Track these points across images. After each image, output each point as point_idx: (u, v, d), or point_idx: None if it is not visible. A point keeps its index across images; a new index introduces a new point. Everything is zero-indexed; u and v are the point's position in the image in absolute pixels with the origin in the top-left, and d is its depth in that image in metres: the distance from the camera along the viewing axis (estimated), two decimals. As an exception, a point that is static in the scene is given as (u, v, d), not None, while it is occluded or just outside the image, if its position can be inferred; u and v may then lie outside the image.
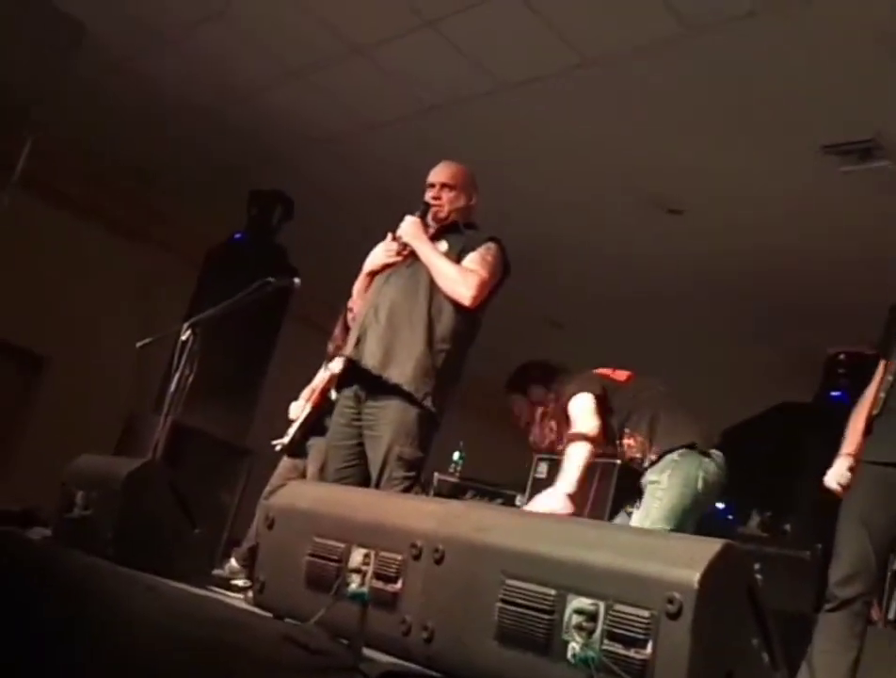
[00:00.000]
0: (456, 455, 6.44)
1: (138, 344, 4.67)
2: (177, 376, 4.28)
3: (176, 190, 7.46)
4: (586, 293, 7.54)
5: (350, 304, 4.94)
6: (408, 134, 5.85)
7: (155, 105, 6.39)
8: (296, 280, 4.83)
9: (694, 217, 6.07)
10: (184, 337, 4.36)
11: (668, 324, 7.64)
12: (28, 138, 4.98)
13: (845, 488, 2.85)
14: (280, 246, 6.98)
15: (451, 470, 6.43)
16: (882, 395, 2.88)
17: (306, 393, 4.97)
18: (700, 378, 8.29)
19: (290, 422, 4.92)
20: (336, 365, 4.66)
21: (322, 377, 4.92)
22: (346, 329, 4.92)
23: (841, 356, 6.80)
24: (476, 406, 8.44)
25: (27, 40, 5.05)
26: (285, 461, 4.87)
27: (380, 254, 3.33)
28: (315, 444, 4.78)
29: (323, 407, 4.77)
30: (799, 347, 7.13)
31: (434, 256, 3.19)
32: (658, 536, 1.77)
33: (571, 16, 4.55)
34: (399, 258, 3.29)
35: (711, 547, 1.57)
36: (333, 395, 4.76)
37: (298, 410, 4.93)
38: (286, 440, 4.84)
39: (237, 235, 7.01)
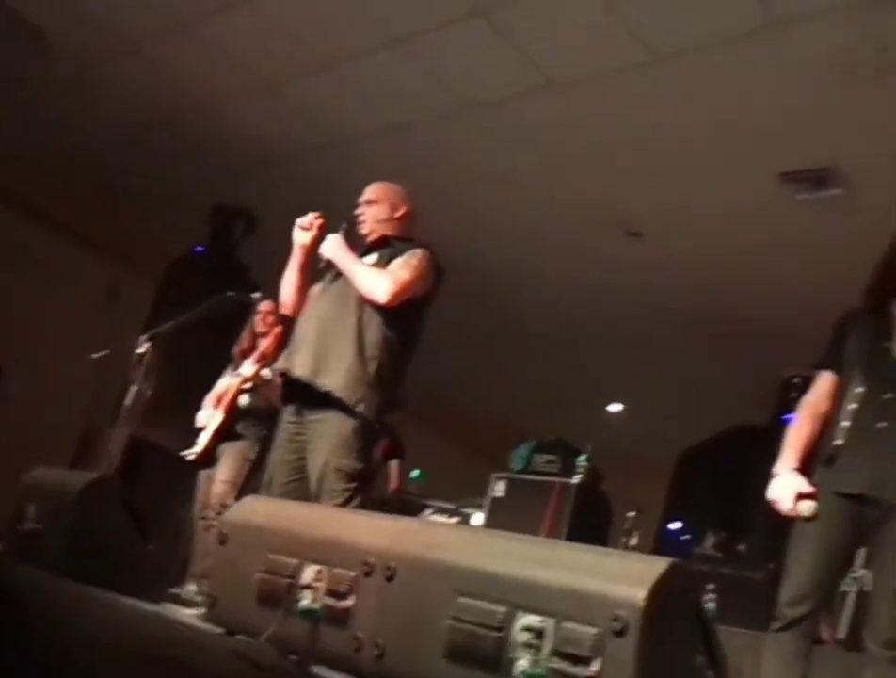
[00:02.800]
0: (414, 473, 6.46)
1: (94, 356, 4.63)
2: (134, 389, 4.25)
3: (139, 203, 7.41)
4: (547, 315, 7.59)
5: (260, 308, 4.95)
6: (373, 152, 5.87)
7: (120, 117, 6.36)
8: (257, 294, 4.83)
9: (652, 241, 6.15)
10: (141, 350, 4.34)
11: (626, 347, 7.71)
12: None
13: (809, 519, 2.81)
14: (243, 261, 6.96)
15: (409, 488, 6.44)
16: (846, 423, 2.85)
17: (211, 400, 4.95)
18: (658, 400, 8.38)
19: (199, 430, 4.91)
20: (247, 370, 4.67)
21: (226, 382, 4.90)
22: (254, 334, 4.93)
23: (796, 379, 6.88)
24: (434, 423, 8.46)
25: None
26: (204, 475, 4.85)
27: (296, 235, 3.37)
28: (226, 450, 4.77)
29: (234, 413, 4.77)
30: (755, 371, 7.22)
31: (350, 263, 3.21)
32: (606, 554, 1.79)
33: (537, 38, 4.62)
34: (310, 228, 3.33)
35: (657, 566, 1.59)
36: (244, 400, 4.79)
37: (207, 417, 4.91)
38: (197, 449, 4.82)
39: (198, 248, 6.98)
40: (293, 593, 2.08)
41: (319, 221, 3.35)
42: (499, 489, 5.84)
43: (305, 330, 3.22)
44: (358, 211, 3.41)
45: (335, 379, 3.05)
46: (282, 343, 4.80)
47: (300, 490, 3.07)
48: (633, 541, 5.52)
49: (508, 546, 1.85)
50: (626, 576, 1.59)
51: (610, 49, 4.54)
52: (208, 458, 4.84)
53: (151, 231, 7.71)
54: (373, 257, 3.26)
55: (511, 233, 6.48)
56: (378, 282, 3.13)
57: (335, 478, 3.00)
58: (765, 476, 3.35)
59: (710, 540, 6.49)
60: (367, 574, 1.97)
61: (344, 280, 3.22)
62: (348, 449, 3.04)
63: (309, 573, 2.08)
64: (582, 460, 5.67)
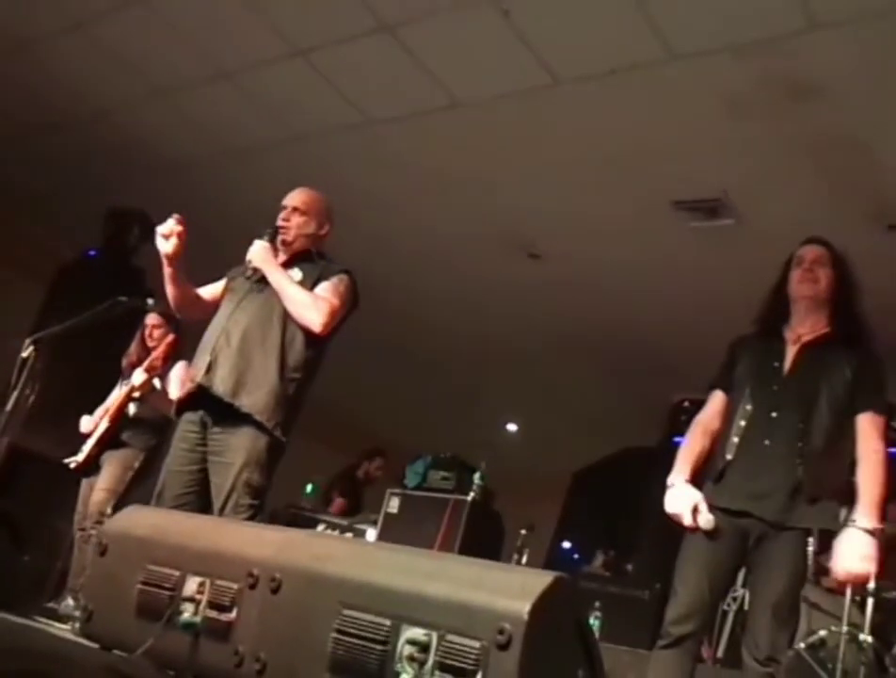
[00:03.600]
0: (308, 487, 6.38)
1: (-26, 359, 4.42)
2: (15, 395, 4.07)
3: (30, 201, 7.15)
4: (445, 334, 7.61)
5: (147, 321, 4.85)
6: (269, 162, 5.80)
7: (11, 116, 6.13)
8: (150, 300, 4.69)
9: (550, 263, 6.24)
10: (24, 354, 4.16)
11: (522, 368, 7.80)
12: None
13: (709, 533, 2.85)
14: (138, 266, 6.77)
15: (302, 503, 6.36)
16: (735, 439, 2.92)
17: (100, 411, 4.84)
18: (552, 421, 8.50)
19: (83, 435, 4.78)
20: (137, 378, 4.57)
21: (117, 394, 4.79)
22: (143, 345, 4.83)
23: (685, 403, 7.08)
24: (329, 438, 8.38)
25: None
26: (85, 484, 4.72)
27: (161, 232, 3.23)
28: (109, 458, 4.66)
29: (119, 422, 4.66)
30: (646, 395, 7.39)
31: (285, 282, 3.16)
32: (492, 567, 1.79)
33: (444, 58, 4.65)
34: (170, 235, 3.19)
35: (542, 579, 1.60)
36: (132, 409, 4.68)
37: (91, 424, 4.79)
38: (80, 456, 4.69)
39: (91, 252, 6.77)
40: (174, 606, 2.01)
41: (179, 228, 3.21)
42: (393, 505, 5.82)
43: (226, 341, 3.12)
44: (283, 216, 3.33)
45: (256, 401, 3.02)
46: (172, 354, 4.70)
47: (195, 502, 3.00)
48: (524, 559, 5.57)
49: (395, 558, 1.83)
50: (511, 589, 1.60)
51: (514, 71, 4.60)
52: (91, 465, 4.70)
53: (41, 234, 7.45)
54: (297, 274, 3.21)
55: (408, 251, 6.49)
56: (313, 311, 3.11)
57: (244, 493, 2.96)
58: (654, 498, 3.40)
59: (599, 560, 6.61)
60: (251, 586, 1.92)
61: (268, 290, 3.16)
62: (260, 465, 3.01)
63: (191, 586, 2.02)
64: (477, 477, 5.70)
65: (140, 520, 2.35)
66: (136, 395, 4.65)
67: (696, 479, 2.97)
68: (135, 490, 4.65)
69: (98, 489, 4.58)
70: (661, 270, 5.94)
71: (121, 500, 4.53)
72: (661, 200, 5.25)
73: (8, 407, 4.11)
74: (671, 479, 2.96)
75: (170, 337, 4.75)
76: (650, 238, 5.65)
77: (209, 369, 3.09)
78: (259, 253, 3.21)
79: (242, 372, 3.05)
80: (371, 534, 5.85)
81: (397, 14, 4.42)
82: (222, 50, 5.00)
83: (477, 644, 1.55)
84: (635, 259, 5.91)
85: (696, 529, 2.85)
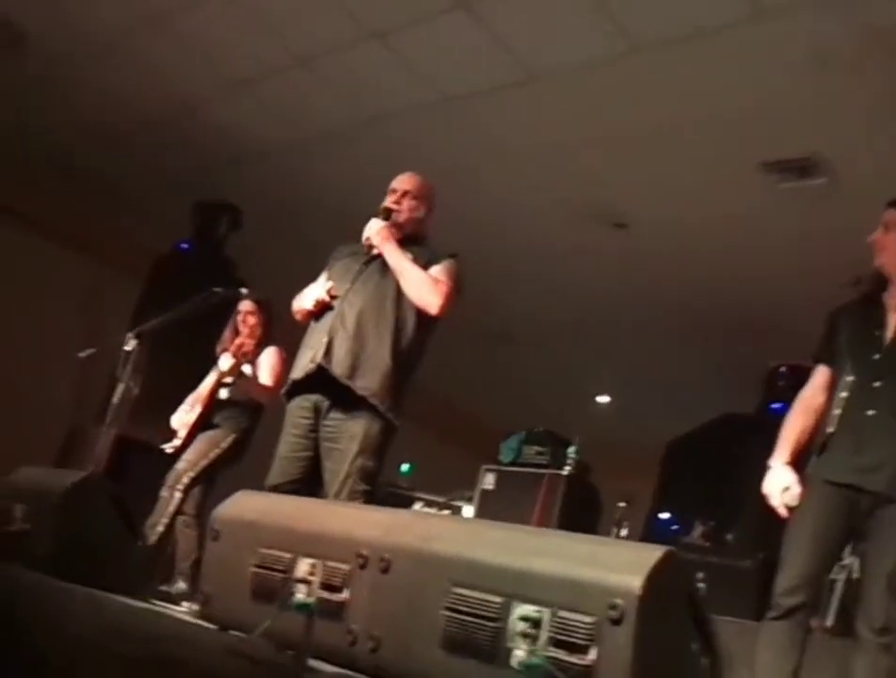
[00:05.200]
0: (404, 466, 6.45)
1: (80, 354, 4.60)
2: (121, 387, 4.22)
3: (121, 202, 7.35)
4: (535, 309, 7.59)
5: (240, 308, 4.93)
6: (353, 146, 5.85)
7: (99, 116, 6.31)
8: (244, 290, 4.81)
9: (637, 232, 6.15)
10: (128, 347, 4.32)
11: (613, 340, 7.72)
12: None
13: (791, 510, 2.85)
14: (228, 257, 6.92)
15: (399, 482, 6.43)
16: (837, 411, 2.89)
17: (191, 400, 4.93)
18: (645, 392, 8.40)
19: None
20: (224, 363, 4.66)
21: (209, 380, 4.88)
22: (236, 332, 4.91)
23: (782, 369, 6.93)
24: (424, 417, 8.45)
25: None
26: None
27: (317, 291, 3.32)
28: (199, 437, 4.76)
29: (212, 406, 4.76)
30: (741, 361, 7.24)
31: (405, 263, 3.20)
32: (601, 542, 1.80)
33: (518, 31, 4.60)
34: (328, 299, 3.27)
35: (652, 554, 1.59)
36: (222, 394, 4.77)
37: (184, 413, 4.90)
38: (177, 442, 4.80)
39: (183, 245, 6.93)
40: (287, 587, 2.07)
41: (327, 299, 3.29)
42: (488, 481, 5.85)
43: (340, 323, 3.17)
44: (393, 199, 3.38)
45: (371, 383, 3.07)
46: (261, 339, 4.79)
47: (305, 487, 3.06)
48: (623, 532, 5.54)
49: (503, 536, 1.85)
50: (622, 565, 1.60)
51: (590, 41, 4.53)
52: (187, 450, 4.82)
53: (132, 229, 7.66)
54: (408, 255, 3.25)
55: (491, 226, 6.47)
56: (433, 292, 3.16)
57: (358, 479, 3.02)
58: (753, 465, 3.36)
59: (698, 530, 6.52)
60: (362, 567, 1.96)
61: (381, 271, 3.21)
62: (374, 450, 3.08)
63: (303, 567, 2.07)
64: (571, 451, 5.68)
65: (250, 505, 2.42)
66: (227, 379, 4.75)
67: (800, 457, 2.94)
68: (220, 469, 4.74)
69: (182, 459, 4.69)
70: (752, 234, 5.80)
71: (202, 474, 4.64)
72: (749, 161, 5.11)
73: (115, 399, 4.28)
74: (771, 461, 2.95)
75: (257, 322, 4.85)
76: (740, 201, 5.51)
77: (327, 351, 3.14)
78: (380, 232, 3.25)
79: (357, 355, 3.10)
80: (467, 510, 5.90)
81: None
82: (300, 37, 5.04)
83: (590, 619, 1.56)
84: (725, 223, 5.78)
85: (782, 511, 2.84)
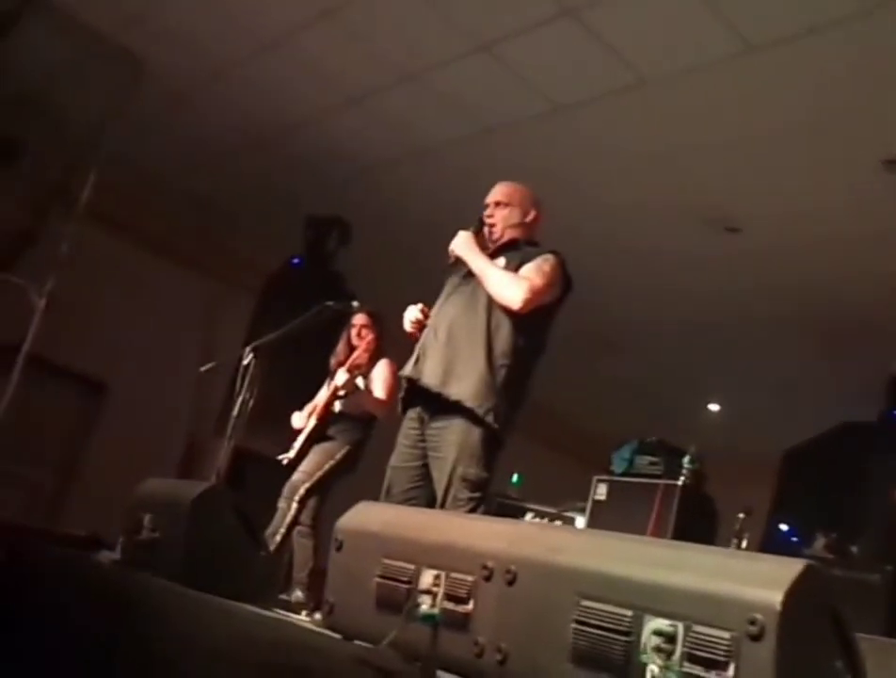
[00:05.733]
0: (514, 477, 6.42)
1: (202, 368, 4.74)
2: (240, 400, 4.33)
3: (234, 218, 7.58)
4: (645, 317, 7.48)
5: (354, 321, 4.99)
6: (462, 158, 5.88)
7: (214, 136, 6.52)
8: (355, 303, 4.88)
9: (752, 236, 6.00)
10: (245, 361, 4.43)
11: (725, 345, 7.55)
12: (91, 171, 5.10)
13: None
14: (338, 271, 7.04)
15: (509, 492, 6.41)
16: None
17: (309, 408, 5.01)
18: (760, 399, 8.18)
19: (294, 432, 4.97)
20: (340, 378, 4.71)
21: (324, 393, 4.95)
22: (350, 345, 4.97)
23: (906, 374, 6.66)
24: (532, 428, 8.41)
25: (89, 75, 5.19)
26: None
27: (410, 313, 3.37)
28: (314, 449, 4.82)
29: (327, 419, 4.82)
30: (861, 366, 6.99)
31: (484, 265, 3.16)
32: (734, 556, 1.75)
33: (629, 36, 4.57)
34: (415, 330, 3.31)
35: (792, 568, 1.54)
36: (337, 406, 4.83)
37: (302, 420, 4.98)
38: (292, 454, 4.89)
39: (294, 260, 7.08)
40: (411, 598, 2.08)
41: (421, 317, 3.35)
42: (600, 492, 5.76)
43: (433, 335, 3.19)
44: (487, 212, 3.37)
45: (465, 388, 3.03)
46: (374, 353, 4.86)
47: (422, 496, 3.06)
48: (744, 544, 5.38)
49: (631, 548, 1.81)
50: (759, 579, 1.55)
51: (703, 42, 4.45)
52: (302, 460, 4.91)
53: (245, 245, 7.87)
54: (500, 261, 3.21)
55: (603, 235, 6.42)
56: (513, 287, 3.08)
57: (461, 487, 2.99)
58: (878, 475, 3.22)
59: (820, 542, 6.29)
60: (486, 579, 1.95)
61: (474, 282, 3.18)
62: (475, 458, 3.02)
63: (427, 578, 2.07)
64: (686, 461, 5.55)
65: (372, 515, 2.44)
66: (341, 393, 4.83)
67: None
68: (334, 480, 4.83)
69: (298, 470, 4.79)
70: (872, 235, 5.59)
71: (317, 485, 4.72)
72: (870, 160, 4.93)
73: (234, 412, 4.39)
74: None
75: (372, 336, 4.92)
76: (860, 201, 5.32)
77: (417, 361, 3.16)
78: (461, 243, 3.24)
79: (450, 362, 3.09)
80: (580, 521, 5.83)
81: (578, -3, 4.37)
82: (408, 52, 5.11)
83: (728, 635, 1.51)
84: (844, 224, 5.59)
85: None
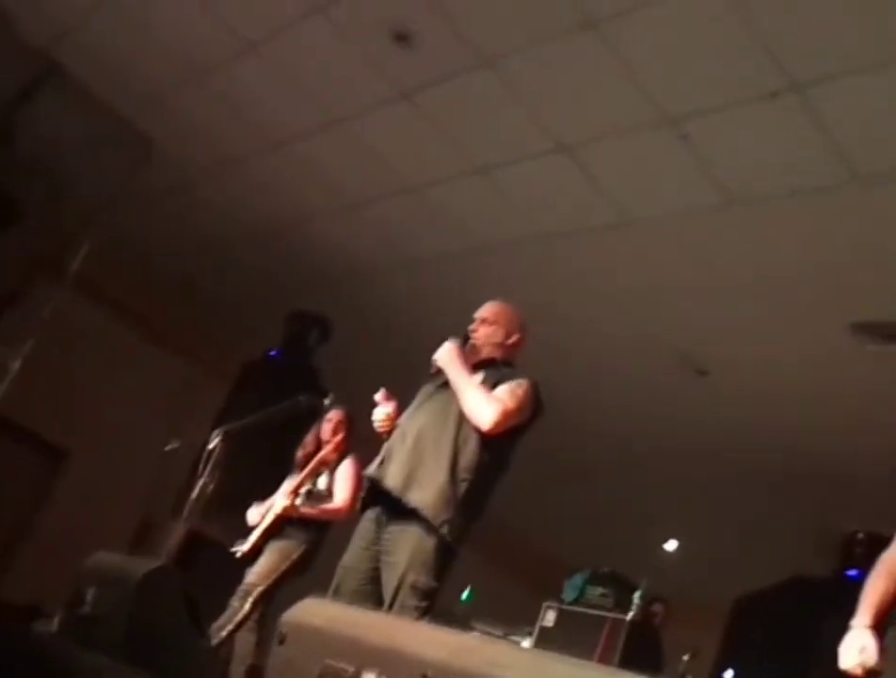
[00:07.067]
0: (466, 592, 6.36)
1: (166, 447, 4.73)
2: (200, 483, 4.32)
3: (219, 304, 7.67)
4: (607, 446, 7.55)
5: (330, 416, 5.02)
6: (451, 273, 6.04)
7: (210, 223, 6.67)
8: (327, 400, 4.92)
9: (718, 380, 6.14)
10: (211, 445, 4.44)
11: (685, 484, 7.61)
12: (85, 243, 5.20)
13: (871, 673, 2.71)
14: (314, 367, 7.10)
15: (456, 608, 6.34)
16: None
17: (267, 504, 4.97)
18: (715, 541, 8.20)
19: (249, 527, 4.93)
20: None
21: (287, 486, 4.93)
22: (318, 439, 4.98)
23: (860, 534, 6.72)
24: (486, 546, 8.37)
25: (99, 150, 5.33)
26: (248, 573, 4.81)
27: (378, 413, 3.41)
28: (269, 547, 4.78)
29: (289, 514, 4.77)
30: (816, 520, 7.06)
31: (462, 380, 3.21)
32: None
33: (618, 175, 4.81)
34: (385, 426, 3.36)
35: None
36: (298, 501, 4.80)
37: (258, 516, 4.94)
38: (246, 546, 4.83)
39: (273, 352, 7.15)
40: (348, 700, 2.07)
41: (390, 409, 3.41)
42: (549, 618, 5.72)
43: (401, 439, 3.22)
44: (473, 327, 3.45)
45: (424, 497, 3.04)
46: (343, 451, 4.88)
47: (370, 598, 3.05)
48: (687, 685, 5.35)
49: (572, 672, 1.84)
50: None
51: (688, 190, 4.67)
52: (255, 556, 4.86)
53: (225, 331, 7.95)
54: (478, 376, 3.27)
55: (576, 361, 6.54)
56: (485, 409, 3.13)
57: (410, 594, 2.98)
58: (829, 633, 3.23)
59: (764, 694, 6.25)
60: (425, 687, 1.96)
61: (449, 392, 3.24)
62: (427, 567, 3.01)
63: (366, 681, 2.08)
64: (637, 596, 5.55)
65: (318, 611, 2.44)
66: (302, 490, 4.81)
67: (881, 623, 2.81)
68: (289, 581, 4.76)
69: (252, 571, 4.72)
70: (838, 395, 5.74)
71: (273, 587, 4.66)
72: (838, 320, 5.12)
73: (193, 494, 4.38)
74: (853, 621, 2.83)
75: (343, 435, 4.95)
76: (827, 361, 5.49)
77: (382, 463, 3.20)
78: (445, 354, 3.32)
79: (413, 468, 3.10)
80: (525, 646, 5.76)
81: (575, 135, 4.60)
82: (410, 166, 5.32)
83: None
84: (807, 378, 5.75)
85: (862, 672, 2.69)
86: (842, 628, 2.89)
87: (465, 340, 3.41)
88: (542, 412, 3.31)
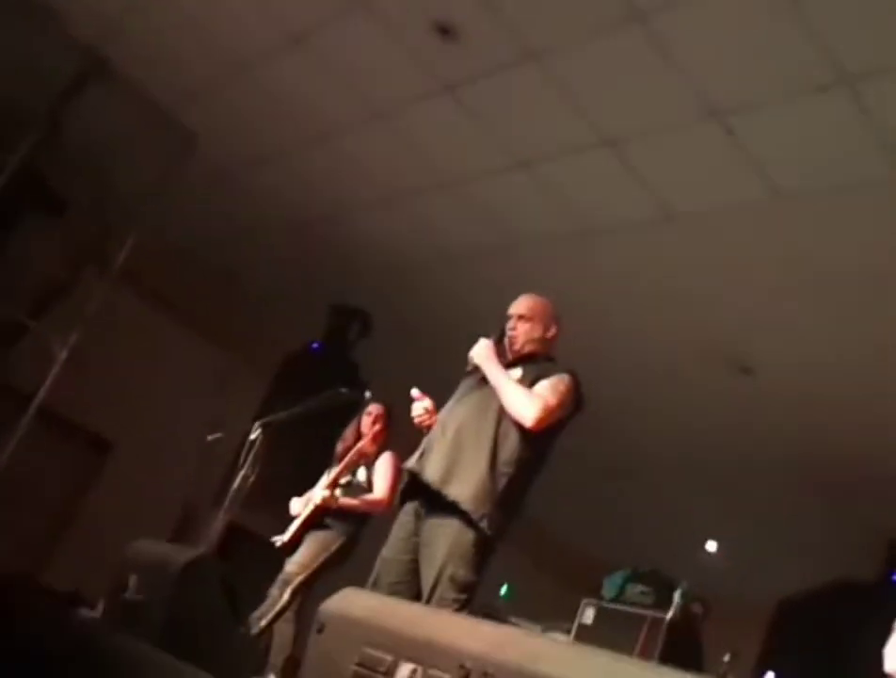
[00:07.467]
0: (504, 588, 6.35)
1: (209, 438, 4.76)
2: (241, 474, 4.35)
3: (260, 297, 7.73)
4: (650, 447, 7.49)
5: (370, 410, 5.03)
6: (490, 268, 6.02)
7: (252, 216, 6.72)
8: (368, 393, 4.94)
9: (763, 378, 6.06)
10: (252, 436, 4.46)
11: (728, 485, 7.52)
12: (131, 235, 5.26)
13: None
14: (354, 361, 7.13)
15: (495, 604, 6.33)
16: None
17: (308, 496, 4.99)
18: (758, 543, 8.10)
19: (291, 518, 4.94)
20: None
21: (327, 478, 4.94)
22: (359, 432, 4.99)
23: (909, 540, 6.61)
24: (526, 544, 8.34)
25: (144, 144, 5.40)
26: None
27: (416, 409, 3.44)
28: (309, 537, 4.80)
29: (328, 505, 4.80)
30: (861, 522, 6.94)
31: (501, 377, 3.22)
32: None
33: (662, 171, 4.73)
34: (425, 419, 3.38)
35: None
36: (338, 492, 4.81)
37: (300, 506, 4.96)
38: (286, 537, 4.85)
39: (314, 345, 7.19)
40: (386, 690, 2.07)
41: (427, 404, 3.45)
42: (588, 615, 5.68)
43: (441, 432, 3.22)
44: (511, 324, 3.44)
45: (464, 491, 3.05)
46: (381, 444, 4.89)
47: (408, 591, 3.06)
48: (727, 687, 5.28)
49: (612, 666, 1.82)
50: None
51: (734, 185, 4.60)
52: (295, 546, 4.88)
53: (267, 324, 8.00)
54: (517, 371, 3.27)
55: (620, 362, 6.49)
56: (527, 405, 3.13)
57: (448, 587, 2.98)
58: (873, 637, 3.17)
59: (805, 698, 6.16)
60: (463, 678, 1.95)
61: (488, 388, 3.23)
62: (466, 560, 3.02)
63: (404, 671, 2.07)
64: (677, 595, 5.49)
65: (357, 602, 2.45)
66: (342, 481, 4.83)
67: None
68: (328, 572, 4.78)
69: (291, 561, 4.75)
70: (886, 396, 5.63)
71: (312, 578, 4.68)
72: (888, 321, 5.01)
73: (234, 485, 4.41)
74: None
75: (382, 427, 4.96)
76: (876, 362, 5.38)
77: (422, 456, 3.20)
78: (481, 351, 3.32)
79: (453, 462, 3.11)
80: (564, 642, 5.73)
81: (620, 130, 4.55)
82: (451, 160, 5.31)
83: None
84: (859, 383, 5.64)
85: None
86: (887, 631, 2.84)
87: (502, 335, 3.40)
88: (583, 406, 3.29)
